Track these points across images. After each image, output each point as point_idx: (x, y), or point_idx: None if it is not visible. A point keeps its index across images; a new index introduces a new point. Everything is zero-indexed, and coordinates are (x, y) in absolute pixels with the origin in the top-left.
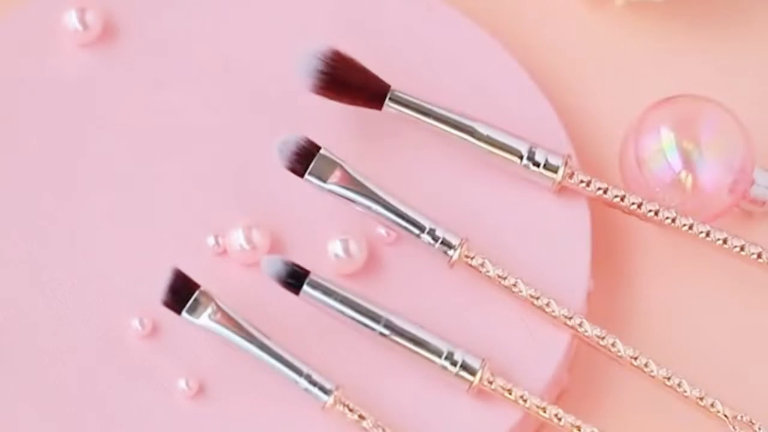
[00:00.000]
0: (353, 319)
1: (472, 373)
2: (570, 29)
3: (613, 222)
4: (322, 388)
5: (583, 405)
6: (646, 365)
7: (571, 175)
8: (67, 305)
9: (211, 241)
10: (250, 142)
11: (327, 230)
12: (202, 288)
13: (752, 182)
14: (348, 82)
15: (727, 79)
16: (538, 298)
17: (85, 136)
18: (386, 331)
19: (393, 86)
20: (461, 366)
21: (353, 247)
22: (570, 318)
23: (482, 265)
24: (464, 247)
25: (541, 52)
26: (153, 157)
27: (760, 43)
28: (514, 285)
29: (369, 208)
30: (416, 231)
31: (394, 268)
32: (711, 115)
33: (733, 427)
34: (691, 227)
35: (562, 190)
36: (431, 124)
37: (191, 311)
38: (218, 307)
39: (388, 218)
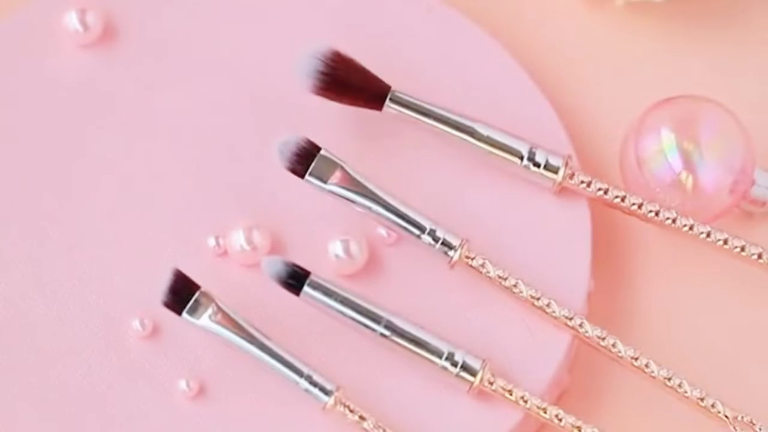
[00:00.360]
0: (354, 319)
1: (473, 373)
2: (570, 30)
3: (613, 222)
4: (322, 389)
5: (583, 406)
6: (646, 366)
7: (572, 176)
8: (68, 306)
9: (211, 241)
10: (251, 143)
11: (327, 231)
12: (202, 289)
13: (753, 183)
14: (348, 82)
15: (727, 80)
16: (538, 299)
17: (85, 136)
18: (387, 332)
19: (393, 87)
20: (462, 367)
21: (354, 247)
22: (570, 318)
23: (483, 265)
24: (465, 247)
25: (541, 52)
26: (153, 158)
27: (760, 44)
28: (515, 286)
29: (369, 208)
30: (417, 232)
31: (395, 269)
32: (711, 116)
33: (734, 428)
34: (691, 228)
35: (562, 190)
36: (431, 125)
37: (192, 312)
38: (219, 308)
39: (388, 219)
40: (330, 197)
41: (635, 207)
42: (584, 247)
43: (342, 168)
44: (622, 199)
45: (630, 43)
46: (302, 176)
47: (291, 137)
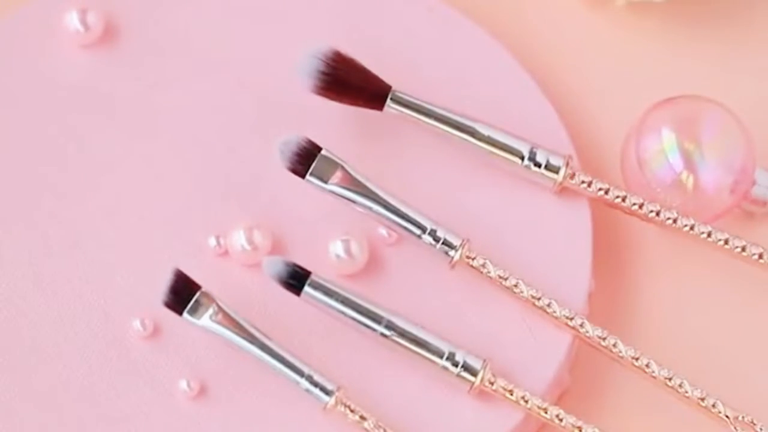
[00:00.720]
0: (354, 319)
1: (474, 373)
2: (571, 30)
3: (614, 222)
4: (323, 389)
5: (584, 406)
6: (647, 366)
7: (573, 176)
8: (68, 306)
9: (212, 241)
10: (251, 143)
11: (328, 231)
12: (203, 289)
13: (753, 183)
14: (349, 82)
15: (728, 80)
16: (539, 299)
17: (85, 136)
18: (387, 332)
19: (394, 87)
20: (462, 367)
21: (354, 247)
22: (571, 319)
23: (483, 265)
24: (465, 247)
25: (542, 52)
26: (154, 158)
27: (760, 44)
28: (516, 286)
29: (370, 208)
30: (417, 232)
31: (396, 269)
32: (712, 116)
33: (735, 428)
34: (692, 228)
35: (563, 190)
36: (432, 125)
37: (192, 312)
38: (219, 308)
39: (389, 219)
40: (331, 197)
41: (636, 207)
42: (585, 247)
43: (343, 168)
44: (623, 199)
45: (631, 43)
46: (303, 176)
47: (292, 137)
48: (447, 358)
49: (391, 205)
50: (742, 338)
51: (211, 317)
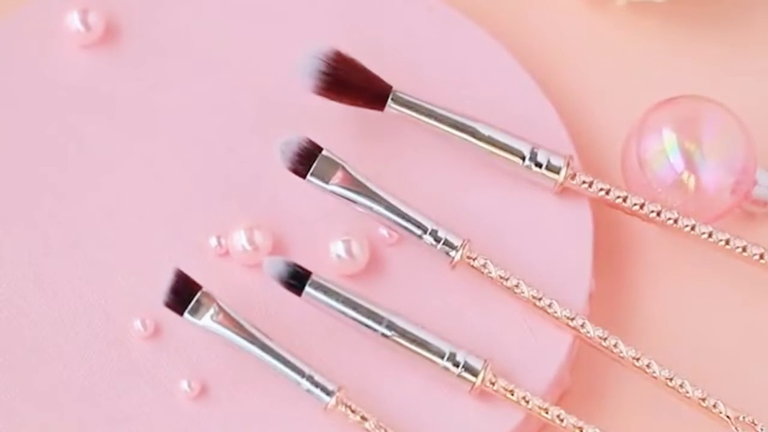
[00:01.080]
0: (355, 320)
1: (475, 374)
2: (571, 30)
3: (615, 223)
4: (324, 389)
5: (585, 406)
6: (648, 366)
7: (573, 176)
8: (69, 306)
9: (213, 242)
10: (252, 143)
11: (329, 231)
12: (204, 289)
13: (754, 183)
14: (349, 82)
15: (729, 80)
16: (540, 299)
17: (86, 136)
18: (388, 332)
19: (394, 87)
20: (463, 367)
21: (355, 247)
22: (572, 319)
23: (484, 266)
24: (466, 248)
25: (543, 52)
26: (154, 158)
27: (761, 44)
28: (516, 286)
29: (371, 209)
30: (418, 232)
31: (396, 269)
32: (713, 116)
33: (736, 428)
34: (693, 228)
35: (564, 191)
36: (433, 125)
37: (193, 312)
38: (220, 308)
39: (390, 219)
40: (331, 197)
41: (637, 207)
42: (586, 247)
43: (343, 168)
44: (624, 200)
45: (631, 43)
46: (304, 176)
47: (293, 137)
48: (448, 359)
49: (391, 205)
50: (743, 338)
51: (211, 317)
